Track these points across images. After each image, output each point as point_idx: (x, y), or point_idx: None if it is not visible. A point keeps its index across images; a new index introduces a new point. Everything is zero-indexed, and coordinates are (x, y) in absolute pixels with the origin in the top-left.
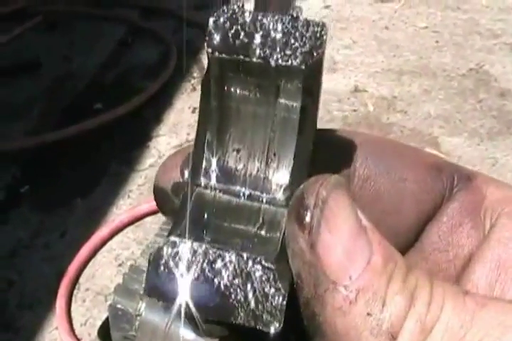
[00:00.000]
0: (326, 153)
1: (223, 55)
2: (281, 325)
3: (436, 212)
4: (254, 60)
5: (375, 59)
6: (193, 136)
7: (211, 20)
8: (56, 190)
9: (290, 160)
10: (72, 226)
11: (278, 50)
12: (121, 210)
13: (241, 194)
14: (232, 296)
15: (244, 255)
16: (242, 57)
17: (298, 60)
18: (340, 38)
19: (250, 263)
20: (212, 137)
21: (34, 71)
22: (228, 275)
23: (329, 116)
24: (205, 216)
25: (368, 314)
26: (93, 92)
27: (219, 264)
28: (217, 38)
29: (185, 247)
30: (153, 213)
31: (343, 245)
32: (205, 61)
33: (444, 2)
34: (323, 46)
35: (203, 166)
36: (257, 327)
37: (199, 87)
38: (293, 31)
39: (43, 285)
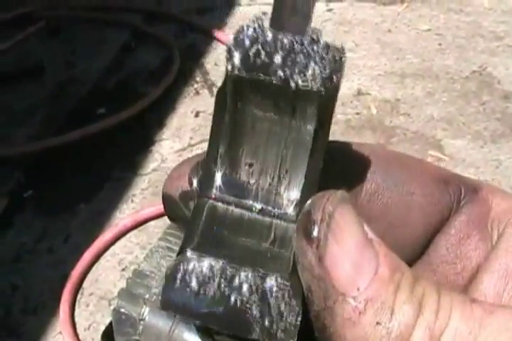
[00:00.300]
0: (335, 166)
1: (243, 74)
2: None
3: (444, 224)
4: (274, 81)
5: (378, 62)
6: (195, 139)
7: (232, 37)
8: (60, 194)
9: (301, 178)
10: (75, 231)
11: (298, 72)
12: (124, 214)
13: (253, 208)
14: (248, 312)
15: (261, 272)
16: (262, 76)
17: (318, 84)
18: (343, 41)
19: (266, 280)
20: (225, 150)
21: (37, 76)
22: (244, 292)
23: (332, 119)
24: (219, 230)
25: (378, 323)
26: (96, 97)
27: (236, 281)
28: (237, 55)
29: (203, 263)
30: (156, 217)
31: (351, 257)
32: (208, 65)
33: (446, 5)
34: (342, 71)
35: (215, 178)
36: None
37: (202, 91)
38: (313, 54)
39: (46, 290)
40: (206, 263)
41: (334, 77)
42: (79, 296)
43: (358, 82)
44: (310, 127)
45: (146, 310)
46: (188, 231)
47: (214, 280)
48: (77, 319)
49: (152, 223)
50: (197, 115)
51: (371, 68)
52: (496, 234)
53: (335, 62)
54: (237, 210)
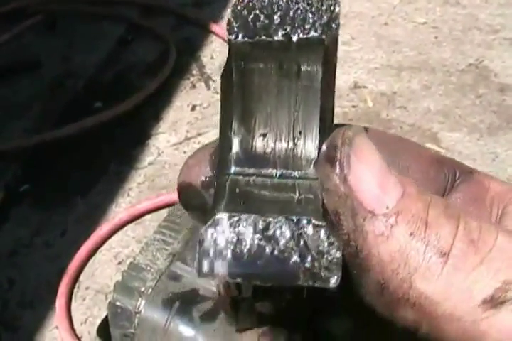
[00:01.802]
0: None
1: (246, 39)
2: (340, 278)
3: None
4: (276, 38)
5: (375, 55)
6: (192, 133)
7: (230, 10)
8: (56, 188)
9: (316, 135)
10: (72, 225)
11: (297, 26)
12: (120, 208)
13: (274, 175)
14: (289, 259)
15: (294, 217)
16: (264, 37)
17: (318, 32)
18: (339, 35)
19: (301, 224)
20: (238, 126)
21: (33, 70)
22: (281, 240)
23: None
24: (244, 193)
25: (412, 234)
26: (93, 91)
27: (270, 231)
28: (237, 24)
29: (234, 219)
30: (152, 211)
31: (375, 176)
32: (204, 59)
33: None
34: (338, 17)
35: (233, 155)
36: (316, 284)
37: (198, 85)
38: (308, 8)
39: (43, 284)
40: (237, 219)
41: (332, 23)
42: (75, 290)
43: (355, 75)
44: (318, 69)
45: (141, 303)
46: (214, 201)
47: (248, 235)
48: (73, 313)
49: (148, 217)
50: (193, 108)
51: (368, 61)
52: (496, 212)
53: (330, 11)
54: (259, 179)
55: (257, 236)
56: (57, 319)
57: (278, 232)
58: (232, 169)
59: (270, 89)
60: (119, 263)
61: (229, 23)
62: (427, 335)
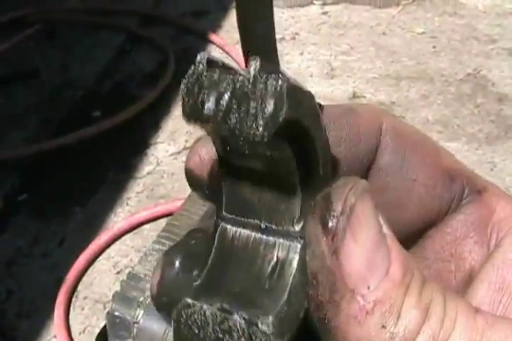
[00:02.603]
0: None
1: (198, 123)
2: None
3: (440, 220)
4: (223, 132)
5: (373, 65)
6: (190, 142)
7: (182, 83)
8: (54, 198)
9: (298, 193)
10: (70, 235)
11: (242, 119)
12: (119, 218)
13: (259, 227)
14: None
15: (247, 317)
16: (213, 126)
17: (260, 132)
18: (338, 45)
19: (252, 325)
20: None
21: (32, 80)
22: (234, 335)
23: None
24: (226, 259)
25: (383, 326)
26: (92, 100)
27: (226, 325)
28: (188, 104)
29: (199, 309)
30: (151, 220)
31: (365, 255)
32: None
33: (441, 7)
34: (284, 107)
35: (224, 200)
36: None
37: None
38: (252, 95)
39: (41, 294)
40: (207, 308)
41: (278, 115)
42: (74, 300)
43: (353, 85)
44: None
45: (140, 313)
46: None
47: (209, 326)
48: (71, 322)
49: (147, 226)
50: None
51: (366, 71)
52: (495, 240)
53: (275, 99)
54: (245, 232)
55: (216, 327)
56: (55, 328)
57: (233, 328)
58: (223, 213)
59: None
60: (118, 272)
61: (182, 100)
62: None
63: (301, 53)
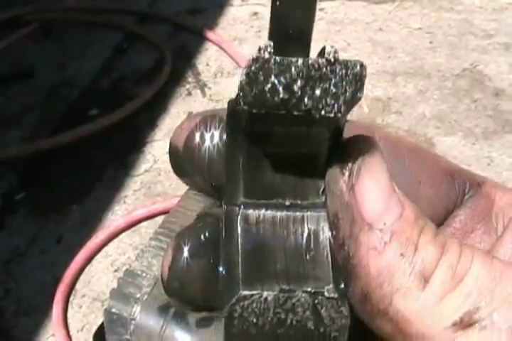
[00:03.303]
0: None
1: (261, 111)
2: (346, 338)
3: (447, 218)
4: (296, 113)
5: (370, 60)
6: None
7: (243, 72)
8: (52, 196)
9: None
10: (68, 233)
11: (319, 100)
12: (117, 216)
13: (283, 204)
14: (305, 326)
15: (309, 289)
16: (283, 112)
17: (342, 109)
18: (335, 41)
19: (316, 296)
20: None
21: (28, 79)
22: (299, 312)
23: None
24: (257, 248)
25: (402, 255)
26: (89, 99)
27: (289, 304)
28: (252, 94)
29: (258, 297)
30: (148, 218)
31: (380, 194)
32: (199, 66)
33: (437, 3)
34: (363, 88)
35: (241, 185)
36: None
37: (194, 92)
38: (331, 77)
39: (39, 292)
40: (267, 294)
41: (357, 95)
42: (71, 298)
43: None
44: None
45: (137, 310)
46: (229, 253)
47: (270, 309)
48: (70, 321)
49: (144, 224)
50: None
51: None
52: (502, 227)
53: (356, 81)
54: (269, 213)
55: (278, 309)
56: (53, 327)
57: (297, 305)
58: (242, 199)
59: (279, 158)
60: (116, 270)
61: (242, 89)
62: None
63: None
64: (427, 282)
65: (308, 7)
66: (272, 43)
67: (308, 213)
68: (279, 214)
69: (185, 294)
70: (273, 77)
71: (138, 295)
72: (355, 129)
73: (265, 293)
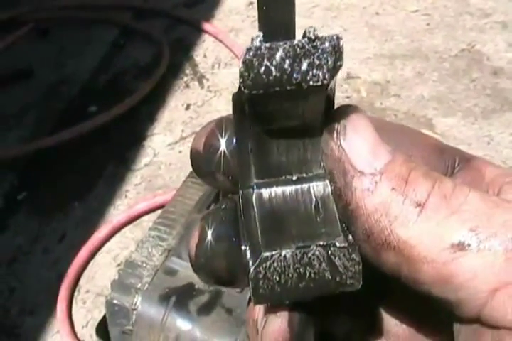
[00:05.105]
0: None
1: (260, 92)
2: (361, 283)
3: None
4: (288, 87)
5: (367, 45)
6: (187, 132)
7: (241, 61)
8: (53, 194)
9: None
10: (70, 230)
11: (306, 72)
12: (118, 211)
13: (291, 180)
14: (323, 277)
15: (322, 243)
16: (278, 88)
17: (327, 77)
18: (332, 27)
19: (329, 248)
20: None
21: (27, 79)
22: (315, 264)
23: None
24: (272, 216)
25: (393, 189)
26: (87, 96)
27: (306, 259)
28: (250, 78)
29: (278, 257)
30: (150, 211)
31: (367, 144)
32: (197, 58)
33: None
34: (342, 57)
35: (253, 168)
36: (345, 290)
37: (192, 84)
38: (314, 52)
39: (43, 290)
40: (285, 252)
41: (338, 63)
42: (76, 294)
43: (347, 66)
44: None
45: (138, 300)
46: (249, 229)
47: (290, 266)
48: (74, 317)
49: (146, 217)
50: (187, 108)
51: (360, 51)
52: (492, 194)
53: (335, 52)
54: (279, 189)
55: (297, 265)
56: (58, 323)
57: (313, 258)
58: (254, 181)
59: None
60: (119, 265)
61: (241, 76)
62: (409, 277)
63: None
64: (422, 207)
65: (288, 2)
66: (261, 33)
67: (314, 183)
68: (288, 188)
69: (211, 269)
70: (265, 61)
71: (139, 286)
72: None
73: (283, 252)
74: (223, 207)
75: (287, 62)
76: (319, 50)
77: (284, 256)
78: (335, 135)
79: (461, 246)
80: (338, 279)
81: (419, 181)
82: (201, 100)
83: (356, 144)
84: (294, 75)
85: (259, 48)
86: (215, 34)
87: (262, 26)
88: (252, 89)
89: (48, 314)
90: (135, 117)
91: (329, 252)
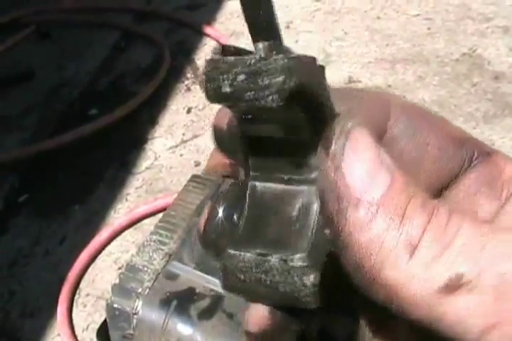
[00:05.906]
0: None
1: (223, 103)
2: (318, 303)
3: (453, 181)
4: (243, 104)
5: (368, 49)
6: (188, 136)
7: (205, 71)
8: (54, 197)
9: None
10: (71, 233)
11: (257, 92)
12: (119, 214)
13: (282, 179)
14: (278, 288)
15: (283, 257)
16: (236, 103)
17: (276, 99)
18: (333, 31)
19: (288, 263)
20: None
21: (28, 81)
22: (274, 275)
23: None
24: (258, 212)
25: (388, 225)
26: (88, 98)
27: (266, 267)
28: (210, 89)
29: (242, 258)
30: (151, 215)
31: (366, 168)
32: (198, 61)
33: None
34: (293, 78)
35: (250, 162)
36: (299, 306)
37: (193, 87)
38: (263, 70)
39: (44, 293)
40: (248, 255)
41: (288, 85)
42: (76, 297)
43: (349, 70)
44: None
45: (139, 304)
46: (240, 217)
47: (250, 268)
48: (75, 320)
49: (147, 221)
50: (189, 111)
51: (361, 55)
52: (506, 194)
53: (284, 72)
54: (271, 185)
55: (257, 270)
56: (58, 326)
57: (271, 268)
58: (251, 173)
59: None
60: (119, 268)
61: (204, 86)
62: (400, 311)
63: (296, 41)
64: (415, 248)
65: (267, 4)
66: (220, 46)
67: (302, 188)
68: (279, 186)
69: (220, 244)
70: (220, 75)
71: (139, 290)
72: (369, 99)
73: (248, 254)
74: (230, 190)
75: (240, 78)
76: (268, 70)
77: (248, 259)
78: (332, 155)
79: (450, 288)
80: (293, 294)
81: (415, 214)
82: (202, 103)
83: (355, 168)
84: (246, 93)
85: (217, 61)
86: (217, 37)
87: (248, 26)
88: (213, 101)
89: (48, 317)
90: (136, 120)
91: (285, 267)
